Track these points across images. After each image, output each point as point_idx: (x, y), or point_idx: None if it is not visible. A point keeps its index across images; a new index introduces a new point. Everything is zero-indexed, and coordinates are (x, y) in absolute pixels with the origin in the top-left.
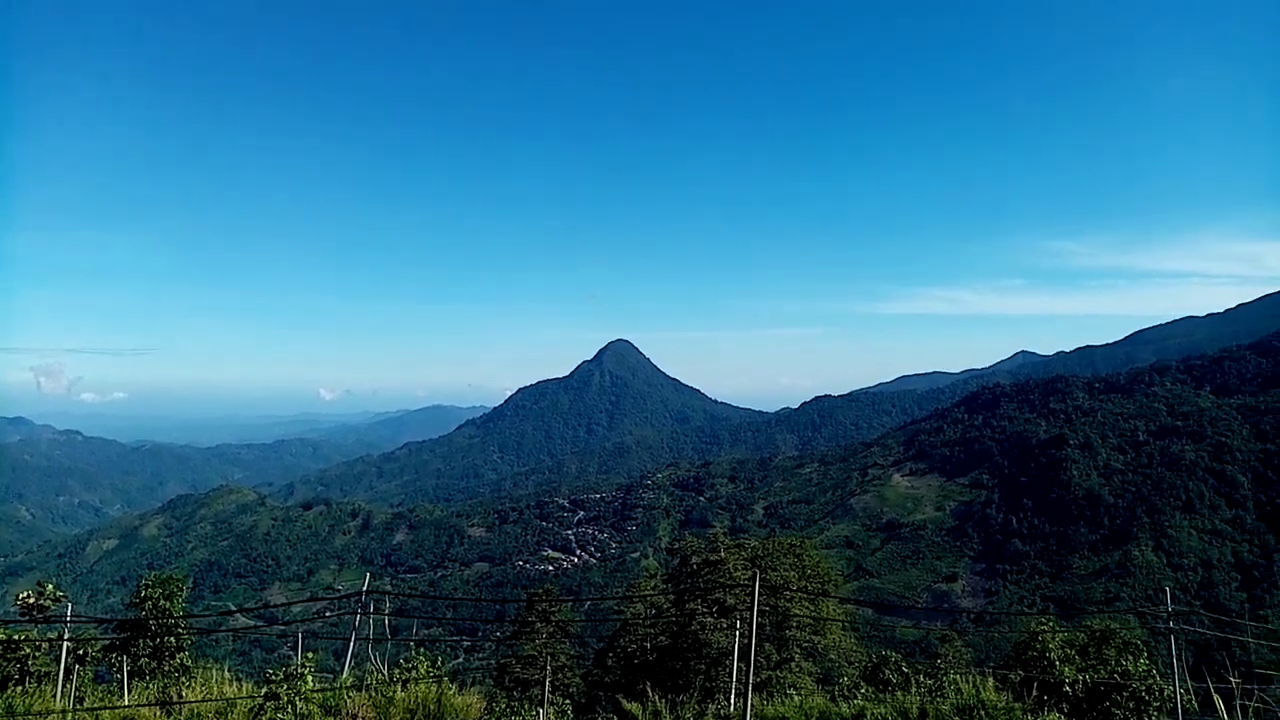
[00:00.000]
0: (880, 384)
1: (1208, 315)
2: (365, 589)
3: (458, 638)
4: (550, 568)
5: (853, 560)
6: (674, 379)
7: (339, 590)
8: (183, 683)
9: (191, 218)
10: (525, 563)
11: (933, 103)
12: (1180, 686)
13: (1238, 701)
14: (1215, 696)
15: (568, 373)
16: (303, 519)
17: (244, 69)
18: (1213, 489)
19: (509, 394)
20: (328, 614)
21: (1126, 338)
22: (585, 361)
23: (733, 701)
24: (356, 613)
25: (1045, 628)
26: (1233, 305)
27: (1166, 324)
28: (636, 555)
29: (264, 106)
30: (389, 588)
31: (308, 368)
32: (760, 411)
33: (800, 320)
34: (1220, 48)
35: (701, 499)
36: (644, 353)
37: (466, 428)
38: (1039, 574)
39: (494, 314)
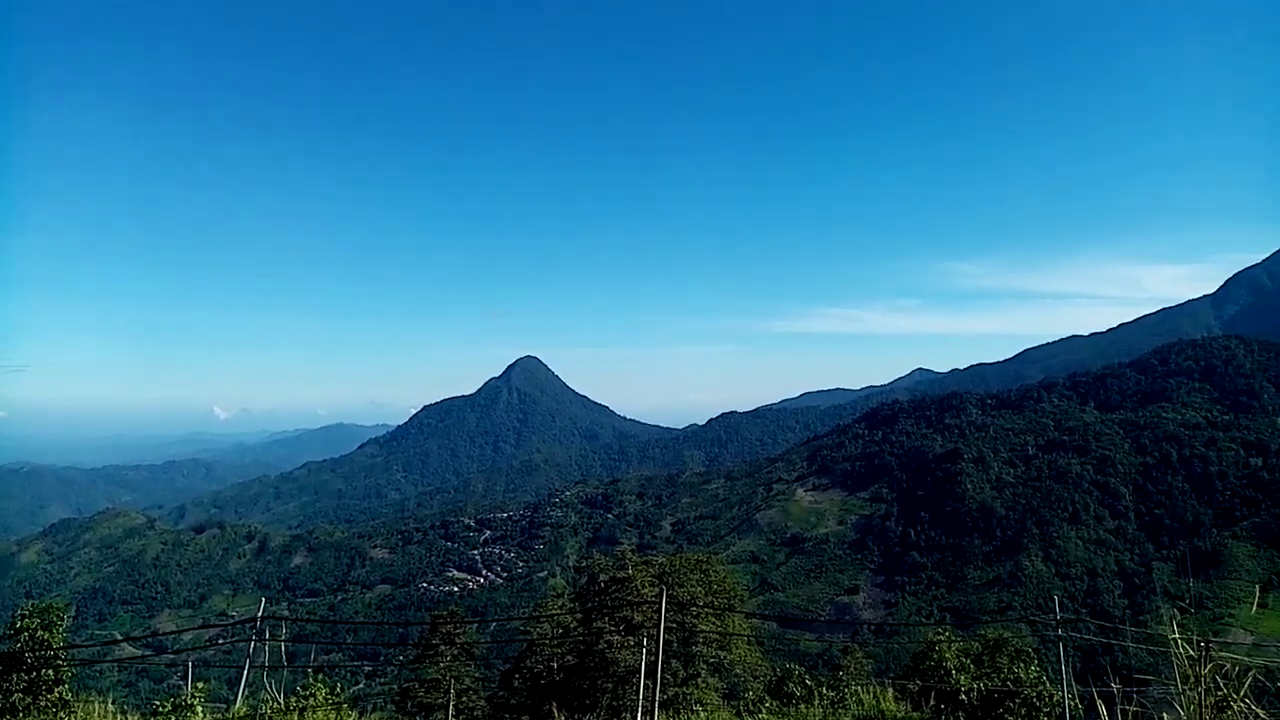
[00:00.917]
0: (785, 400)
1: (1091, 335)
2: (260, 614)
3: (359, 663)
4: (455, 589)
5: (758, 575)
6: (583, 396)
7: (233, 616)
8: (61, 718)
9: (70, 229)
10: (429, 584)
11: (832, 131)
12: (1068, 692)
13: (1119, 705)
14: (1098, 700)
15: (475, 390)
16: (195, 542)
17: (118, 76)
18: (1097, 500)
19: (414, 412)
20: (220, 641)
21: (1016, 356)
22: (493, 378)
23: (639, 719)
24: (251, 639)
25: (942, 637)
26: (1114, 325)
27: (1053, 343)
28: (544, 574)
29: (142, 113)
30: (286, 612)
31: (201, 386)
32: (668, 428)
33: (709, 338)
34: (1101, 89)
35: (610, 516)
36: (553, 370)
37: (369, 446)
38: (936, 585)
39: (400, 330)
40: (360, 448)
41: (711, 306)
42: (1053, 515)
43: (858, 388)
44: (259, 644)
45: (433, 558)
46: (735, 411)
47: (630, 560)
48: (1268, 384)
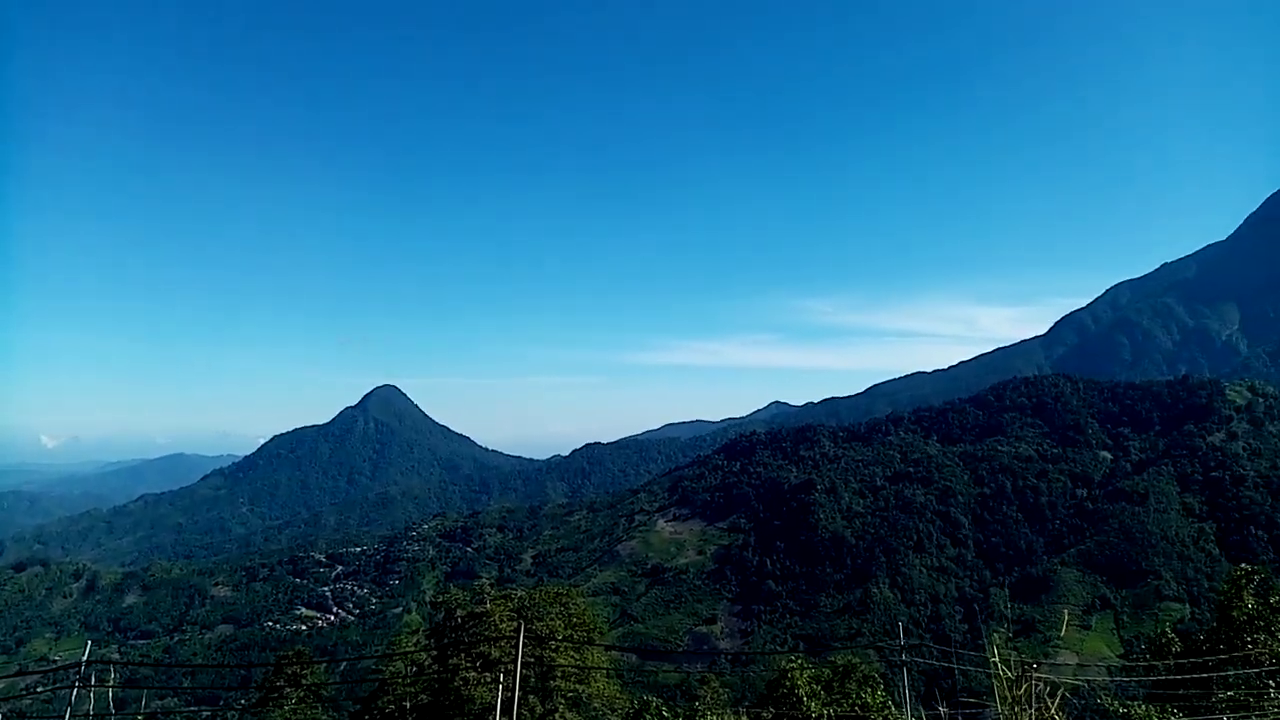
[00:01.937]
0: (648, 431)
1: (934, 371)
2: (86, 658)
3: (196, 708)
4: (304, 627)
5: (619, 607)
6: (443, 426)
7: (55, 661)
8: None
9: None
10: (276, 623)
11: (692, 169)
12: (911, 715)
13: None
14: None
15: (329, 419)
16: (14, 581)
17: None
18: (940, 529)
19: (263, 442)
20: (40, 689)
21: (866, 390)
22: (349, 407)
23: None
24: (74, 686)
25: (794, 665)
26: (955, 363)
27: (900, 378)
28: (399, 610)
29: None
30: (116, 656)
31: (25, 412)
32: (531, 459)
33: (574, 369)
34: (934, 144)
35: (469, 550)
36: (412, 399)
37: (213, 478)
38: (790, 613)
39: (249, 355)
40: (203, 479)
41: (576, 338)
42: (899, 544)
43: (718, 419)
44: (84, 690)
45: (280, 595)
46: (599, 443)
47: (489, 594)
48: (1092, 419)
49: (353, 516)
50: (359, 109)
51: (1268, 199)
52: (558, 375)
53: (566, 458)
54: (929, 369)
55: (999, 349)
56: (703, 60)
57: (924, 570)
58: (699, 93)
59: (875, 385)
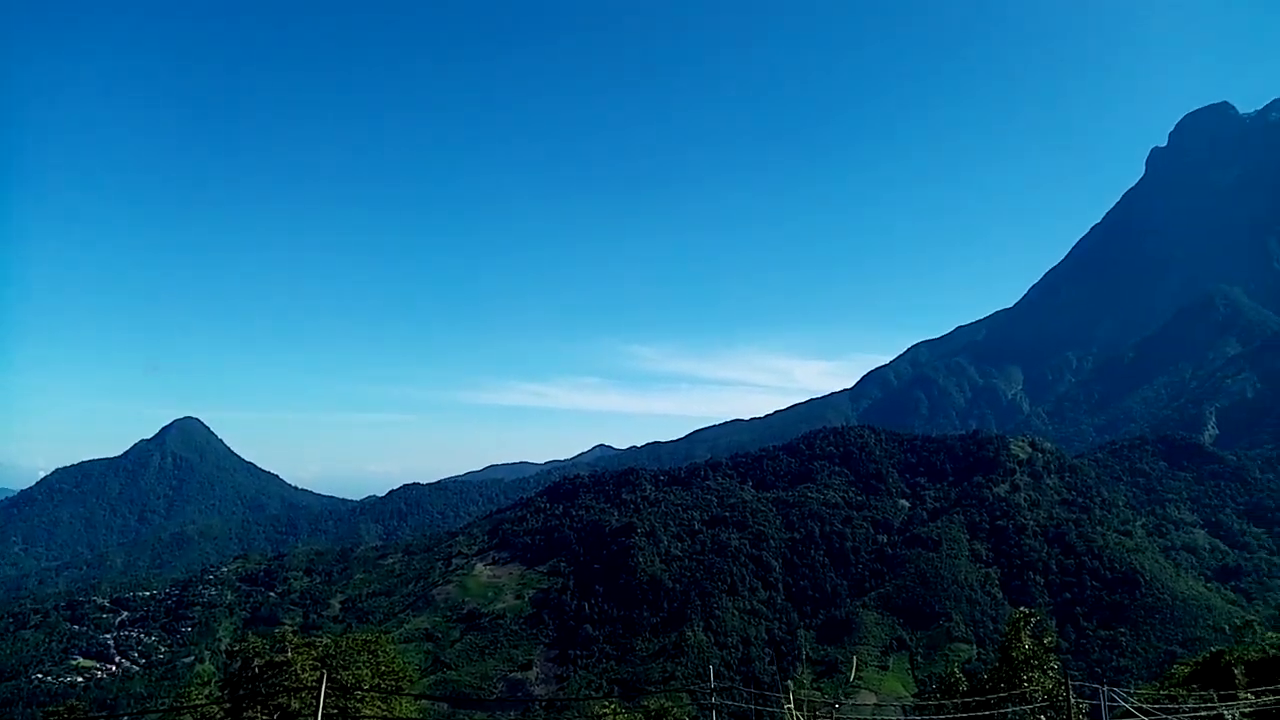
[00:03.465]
0: (470, 473)
1: (752, 419)
2: None
3: None
4: (80, 679)
5: (431, 654)
6: (249, 463)
7: None
8: None
9: None
10: (47, 675)
11: (518, 212)
12: None
13: None
14: None
15: (120, 452)
16: None
17: None
18: (752, 573)
19: (43, 475)
20: None
21: (687, 436)
22: (144, 440)
23: None
24: None
25: (608, 710)
26: (771, 412)
27: (719, 425)
28: (190, 660)
29: None
30: None
31: None
32: (345, 499)
33: (394, 406)
34: (748, 207)
35: (272, 594)
36: (216, 433)
37: None
38: (607, 657)
39: (28, 379)
40: None
41: (399, 375)
42: (714, 587)
43: (542, 461)
44: None
45: (53, 644)
46: (418, 483)
47: (291, 642)
48: (893, 469)
49: (143, 558)
50: (174, 136)
51: (1048, 272)
52: (377, 412)
53: (383, 498)
54: (747, 417)
55: (811, 400)
56: (540, 104)
57: (736, 613)
58: (529, 134)
59: (696, 431)
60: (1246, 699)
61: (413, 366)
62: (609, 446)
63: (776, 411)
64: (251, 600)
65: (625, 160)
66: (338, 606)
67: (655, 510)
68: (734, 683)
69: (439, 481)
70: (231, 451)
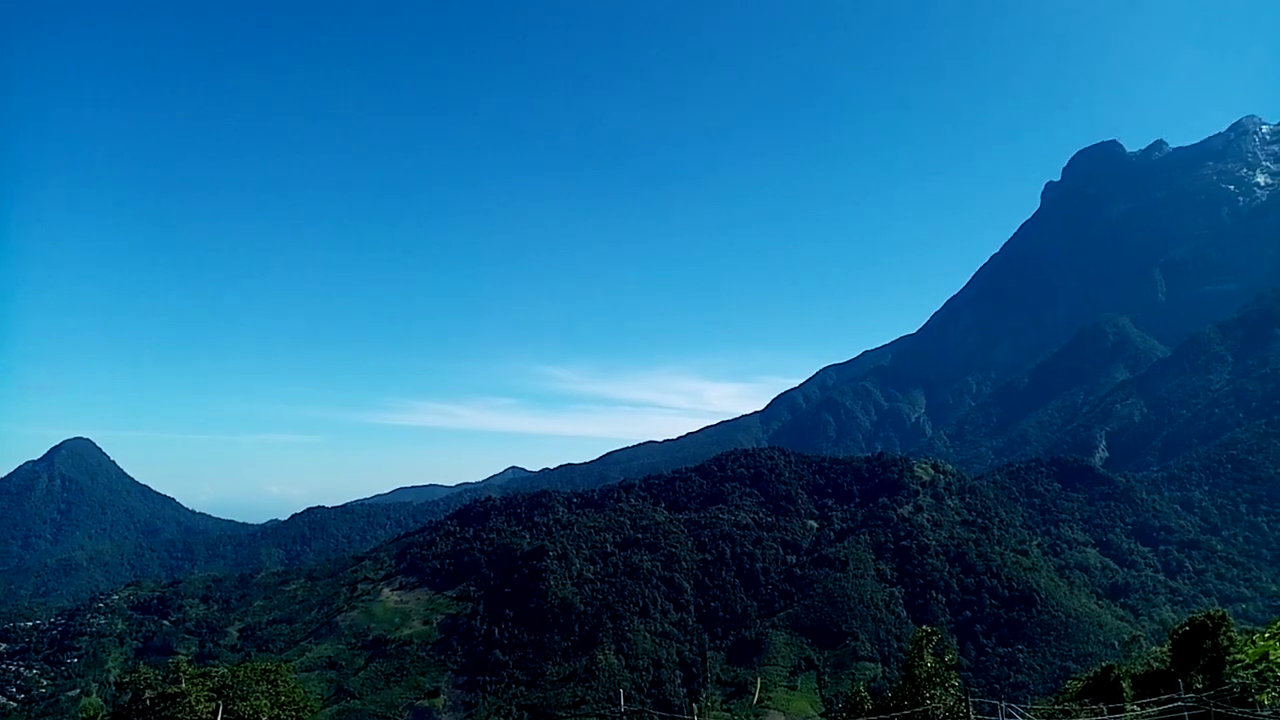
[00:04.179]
0: (378, 495)
1: (665, 441)
2: None
3: None
4: None
5: (335, 682)
6: (144, 485)
7: None
8: None
9: None
10: None
11: (427, 226)
12: None
13: None
14: None
15: (4, 474)
16: None
17: None
18: (664, 595)
19: None
20: None
21: (601, 458)
22: (31, 461)
23: None
24: None
25: None
26: (684, 434)
27: (633, 447)
28: (75, 693)
29: None
30: None
31: None
32: (246, 524)
33: (299, 427)
34: (678, 215)
35: (166, 623)
36: (109, 454)
37: None
38: (517, 682)
39: None
40: None
41: (304, 394)
42: (626, 610)
43: (452, 484)
44: None
45: None
46: (322, 506)
47: (185, 672)
48: (801, 490)
49: (25, 585)
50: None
51: (949, 300)
52: (281, 433)
53: (285, 522)
54: (660, 438)
55: (723, 422)
56: (441, 116)
57: (648, 635)
58: (445, 146)
59: (610, 453)
60: (1133, 711)
61: (318, 386)
62: (521, 468)
63: (689, 433)
64: (144, 629)
65: (542, 179)
66: (236, 635)
67: (567, 533)
68: (645, 706)
69: (345, 504)
70: (125, 473)
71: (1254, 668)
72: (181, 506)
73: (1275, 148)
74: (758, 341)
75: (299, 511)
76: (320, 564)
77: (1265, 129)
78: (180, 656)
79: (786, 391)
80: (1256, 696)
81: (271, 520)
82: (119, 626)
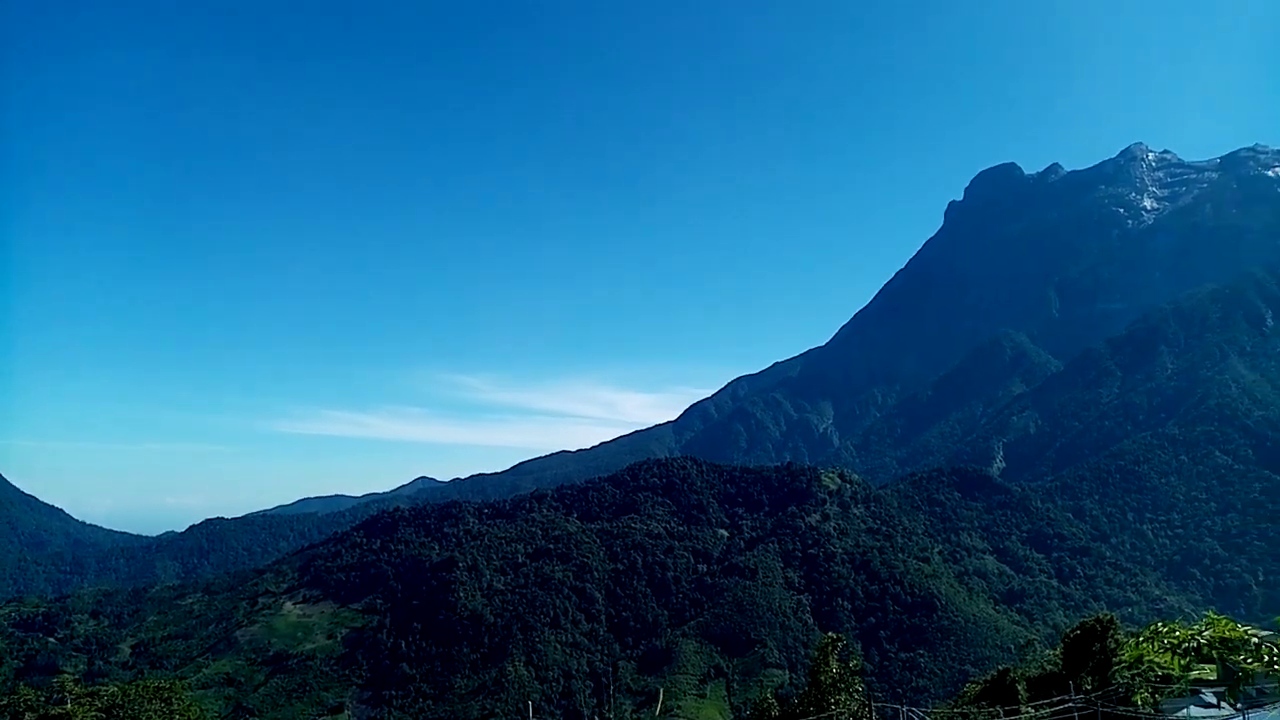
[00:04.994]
0: (280, 506)
1: (578, 451)
2: None
3: None
4: None
5: (233, 700)
6: (29, 495)
7: None
8: None
9: None
10: None
11: (330, 226)
12: None
13: None
14: None
15: None
16: None
17: None
18: (575, 605)
19: None
20: None
21: (513, 468)
22: None
23: None
24: None
25: None
26: (597, 444)
27: (546, 457)
28: None
29: None
30: None
31: None
32: (139, 535)
33: (194, 434)
34: (580, 222)
35: (52, 640)
36: None
37: None
38: (424, 696)
39: None
40: None
41: (203, 401)
42: (537, 620)
43: (359, 494)
44: None
45: None
46: (222, 518)
47: (70, 692)
48: (713, 499)
49: None
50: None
51: (857, 314)
52: (176, 442)
53: (182, 534)
54: (573, 448)
55: (637, 431)
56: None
57: (559, 646)
58: (351, 145)
59: (522, 463)
60: (1028, 712)
61: (217, 393)
62: (431, 478)
63: (603, 443)
64: (26, 647)
65: (452, 181)
66: (128, 652)
67: (478, 544)
68: (555, 717)
69: (245, 516)
70: (9, 483)
71: (1133, 669)
72: (70, 518)
73: (1161, 174)
74: (671, 352)
75: (196, 523)
76: (219, 577)
77: (1152, 156)
78: (66, 675)
79: (699, 401)
80: (1133, 696)
81: (168, 532)
82: None
